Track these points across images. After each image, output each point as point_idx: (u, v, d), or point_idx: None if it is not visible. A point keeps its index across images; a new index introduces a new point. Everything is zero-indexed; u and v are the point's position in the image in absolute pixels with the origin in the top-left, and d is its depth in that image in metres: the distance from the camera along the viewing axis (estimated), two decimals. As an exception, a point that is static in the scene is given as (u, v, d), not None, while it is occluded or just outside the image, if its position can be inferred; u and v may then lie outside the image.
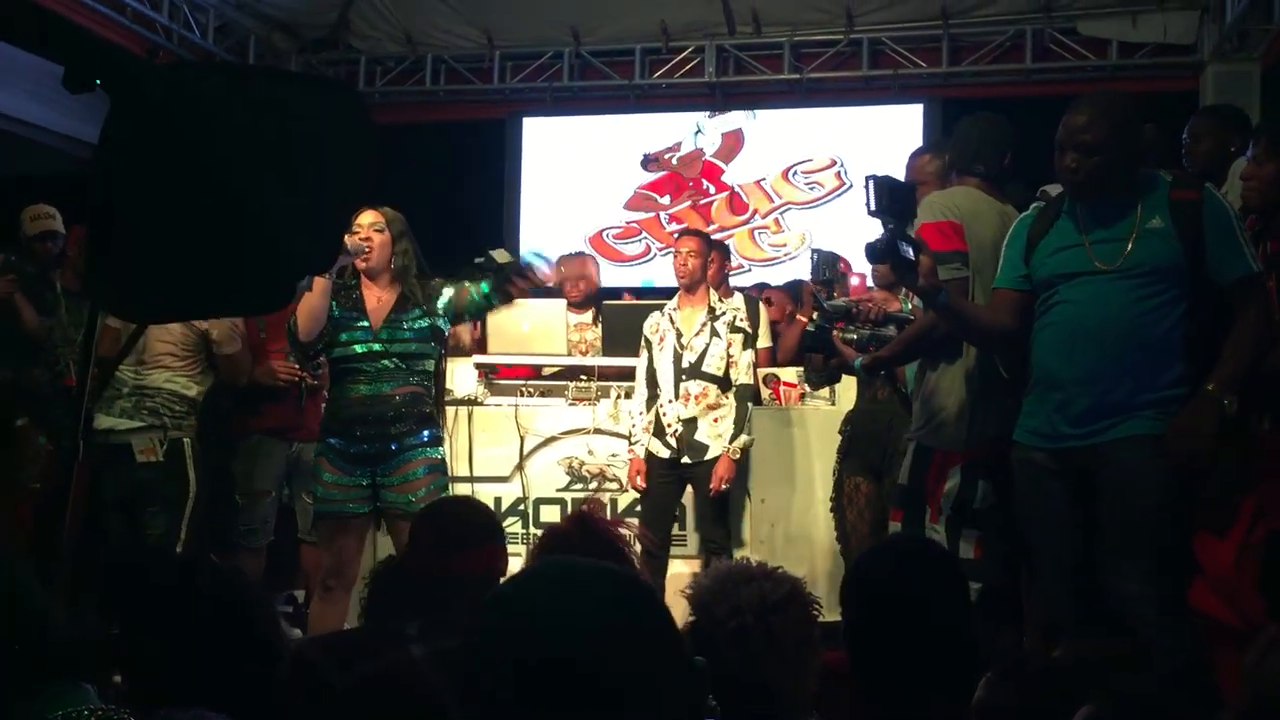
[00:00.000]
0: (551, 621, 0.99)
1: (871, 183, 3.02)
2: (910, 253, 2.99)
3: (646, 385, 5.11)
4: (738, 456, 4.94)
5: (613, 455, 5.34)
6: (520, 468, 5.44)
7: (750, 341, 5.07)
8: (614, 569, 1.08)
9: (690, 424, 4.97)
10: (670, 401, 5.01)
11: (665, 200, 8.58)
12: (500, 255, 5.50)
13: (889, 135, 7.88)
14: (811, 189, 8.36)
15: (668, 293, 7.23)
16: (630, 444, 5.15)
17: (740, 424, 4.94)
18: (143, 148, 2.31)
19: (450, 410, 5.42)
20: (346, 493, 3.98)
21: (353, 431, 3.98)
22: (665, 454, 4.99)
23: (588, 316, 6.14)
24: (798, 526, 5.31)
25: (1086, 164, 2.94)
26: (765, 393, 5.60)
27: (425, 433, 4.01)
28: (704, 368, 4.99)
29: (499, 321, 5.62)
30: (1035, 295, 3.10)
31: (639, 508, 5.16)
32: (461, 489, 5.42)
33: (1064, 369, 2.99)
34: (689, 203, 8.53)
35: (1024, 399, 3.12)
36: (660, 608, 1.06)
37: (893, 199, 3.03)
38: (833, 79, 8.14)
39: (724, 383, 4.99)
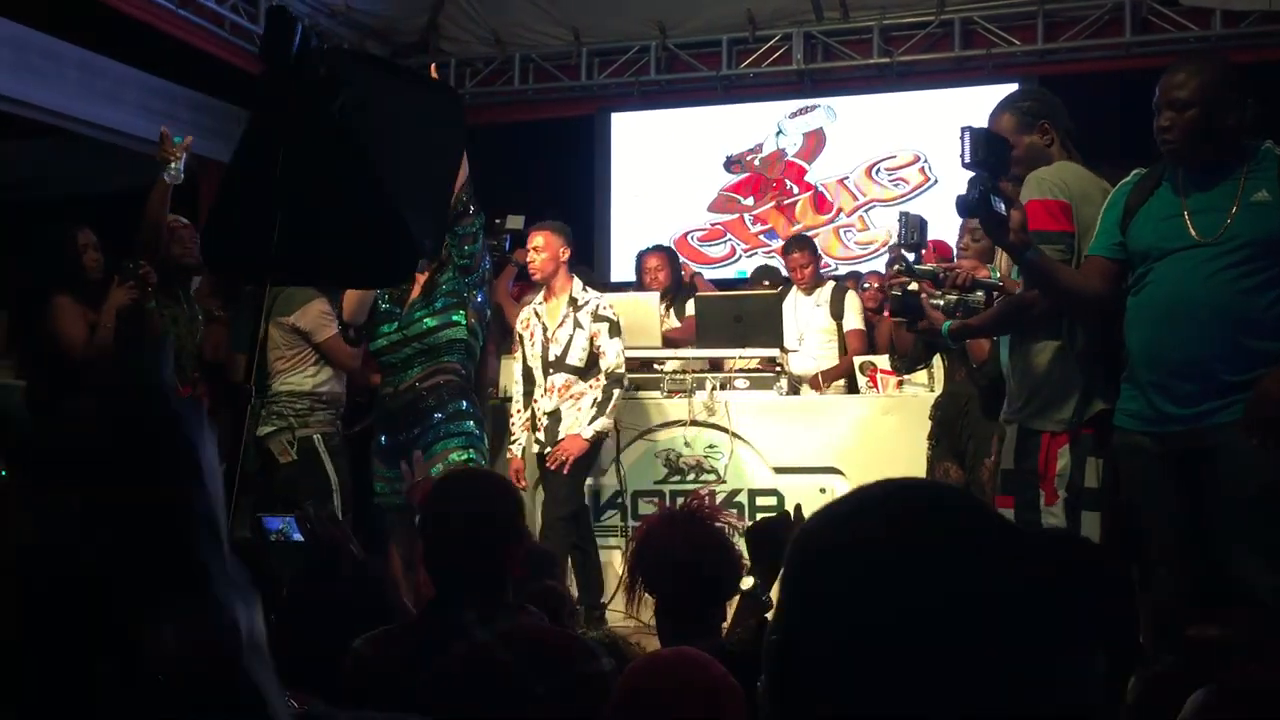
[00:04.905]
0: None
1: (968, 134, 2.96)
2: (1002, 207, 2.92)
3: (523, 382, 5.10)
4: (589, 436, 4.89)
5: (709, 447, 5.34)
6: (617, 461, 5.48)
7: (616, 330, 4.98)
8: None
9: (554, 416, 4.96)
10: (542, 395, 5.00)
11: (749, 201, 8.51)
12: (513, 221, 5.57)
13: (982, 117, 7.70)
14: (896, 185, 8.20)
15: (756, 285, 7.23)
16: (509, 444, 5.13)
17: (603, 409, 4.90)
18: (304, 119, 2.47)
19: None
20: (391, 485, 4.09)
21: (385, 426, 4.16)
22: (536, 449, 5.00)
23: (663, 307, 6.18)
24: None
25: (1181, 120, 2.86)
26: (862, 380, 5.55)
27: (450, 407, 4.07)
28: (567, 360, 4.96)
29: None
30: (1129, 264, 3.02)
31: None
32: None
33: (1162, 349, 2.91)
34: (773, 203, 8.45)
35: (1121, 381, 3.04)
36: None
37: (989, 152, 2.97)
38: (924, 61, 8.00)
39: (585, 373, 4.96)
